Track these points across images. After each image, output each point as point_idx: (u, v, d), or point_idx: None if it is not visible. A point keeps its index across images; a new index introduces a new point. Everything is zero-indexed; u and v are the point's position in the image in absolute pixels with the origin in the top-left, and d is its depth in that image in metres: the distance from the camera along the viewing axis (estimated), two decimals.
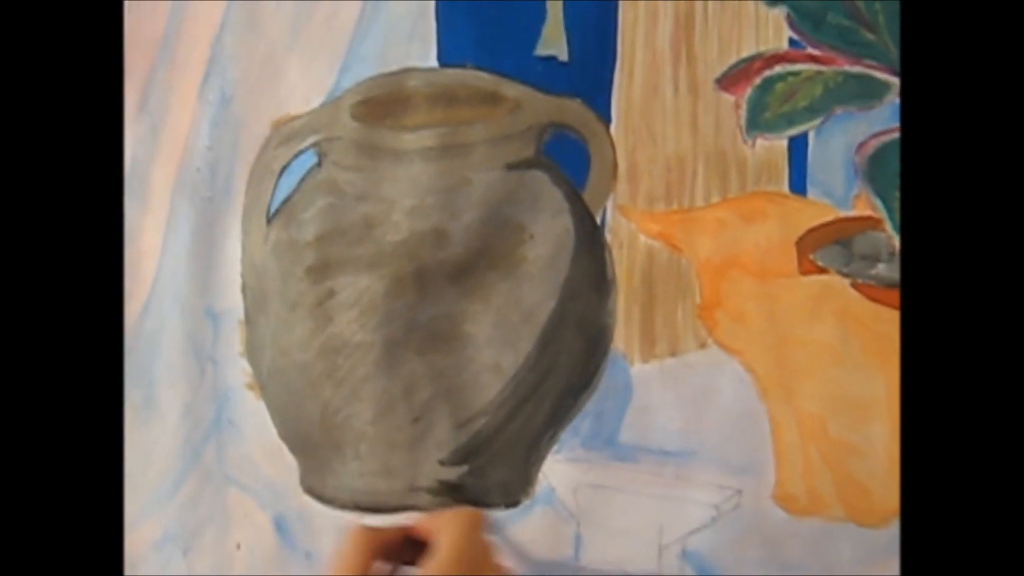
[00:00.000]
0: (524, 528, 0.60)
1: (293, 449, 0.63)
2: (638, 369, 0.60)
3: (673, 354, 0.60)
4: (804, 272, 0.59)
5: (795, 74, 0.60)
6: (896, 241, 0.58)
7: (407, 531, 0.51)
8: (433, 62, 0.62)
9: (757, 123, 0.60)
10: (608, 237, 0.61)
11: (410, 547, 0.50)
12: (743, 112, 0.60)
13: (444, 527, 0.49)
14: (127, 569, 0.63)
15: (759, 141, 0.60)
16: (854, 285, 0.58)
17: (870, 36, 0.59)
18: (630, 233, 0.61)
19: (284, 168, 0.63)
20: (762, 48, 0.60)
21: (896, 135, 0.58)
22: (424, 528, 0.50)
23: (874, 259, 0.58)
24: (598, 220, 0.61)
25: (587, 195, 0.61)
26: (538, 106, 0.61)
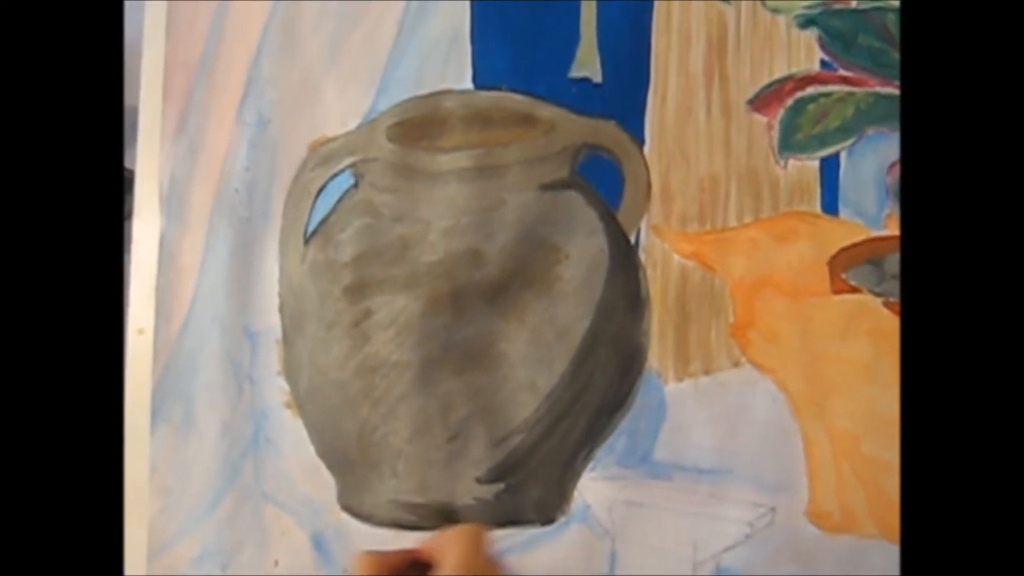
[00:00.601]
0: (559, 545, 0.60)
1: (331, 467, 0.63)
2: (672, 387, 0.60)
3: (707, 372, 0.60)
4: (836, 291, 0.59)
5: (827, 95, 0.60)
6: None
7: (412, 553, 0.51)
8: (468, 84, 0.63)
9: (789, 144, 0.60)
10: (642, 257, 0.61)
11: (416, 569, 0.50)
12: (775, 133, 0.61)
13: (447, 546, 0.49)
14: None
15: (791, 162, 0.60)
16: (886, 304, 0.59)
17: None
18: (664, 253, 0.61)
19: (321, 189, 0.63)
20: (794, 70, 0.61)
21: None
22: (429, 549, 0.50)
23: None
24: (632, 240, 0.61)
25: (621, 215, 0.61)
26: (572, 127, 0.61)
